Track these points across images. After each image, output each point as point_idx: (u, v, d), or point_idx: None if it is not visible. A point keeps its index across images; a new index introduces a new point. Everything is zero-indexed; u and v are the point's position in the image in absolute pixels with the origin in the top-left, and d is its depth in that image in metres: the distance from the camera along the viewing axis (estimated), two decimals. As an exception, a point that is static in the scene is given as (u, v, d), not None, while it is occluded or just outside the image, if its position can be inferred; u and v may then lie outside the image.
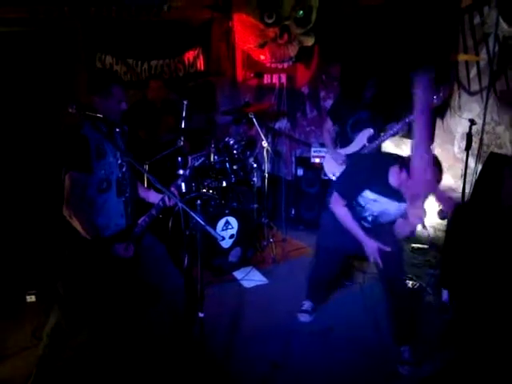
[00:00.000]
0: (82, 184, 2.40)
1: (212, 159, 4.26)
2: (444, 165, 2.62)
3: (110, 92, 2.47)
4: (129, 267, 2.60)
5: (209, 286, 3.70)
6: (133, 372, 2.89)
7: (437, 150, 4.47)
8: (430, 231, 4.34)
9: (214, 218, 3.97)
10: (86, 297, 2.56)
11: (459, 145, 4.26)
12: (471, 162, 4.05)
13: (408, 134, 4.14)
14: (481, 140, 4.08)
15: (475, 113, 4.12)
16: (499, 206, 3.51)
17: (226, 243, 4.09)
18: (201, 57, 5.45)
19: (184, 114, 4.19)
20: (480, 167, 4.01)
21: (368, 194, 2.81)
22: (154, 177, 2.27)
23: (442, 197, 2.54)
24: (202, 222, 2.14)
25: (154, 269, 2.78)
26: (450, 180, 4.34)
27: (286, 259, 4.42)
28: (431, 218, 4.32)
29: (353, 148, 3.91)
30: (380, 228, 2.96)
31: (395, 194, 2.71)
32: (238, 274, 4.12)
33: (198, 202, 2.41)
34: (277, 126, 5.71)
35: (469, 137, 3.73)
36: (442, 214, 3.82)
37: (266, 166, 4.52)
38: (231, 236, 4.10)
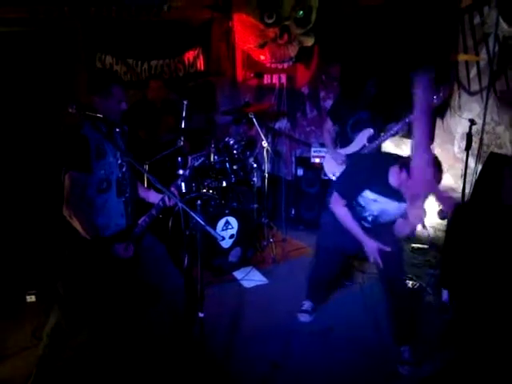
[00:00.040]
0: (82, 184, 2.41)
1: (212, 159, 4.26)
2: (444, 165, 2.62)
3: (110, 92, 2.47)
4: (129, 267, 2.60)
5: (209, 286, 3.70)
6: (133, 372, 2.89)
7: (437, 150, 4.47)
8: (430, 231, 4.35)
9: (214, 218, 3.97)
10: (86, 297, 2.56)
11: (459, 145, 4.26)
12: (471, 162, 4.05)
13: (408, 134, 4.14)
14: (481, 140, 4.08)
15: (475, 113, 4.12)
16: (499, 206, 3.50)
17: (226, 243, 4.09)
18: (201, 57, 5.45)
19: (184, 114, 4.19)
20: (480, 167, 4.01)
21: (368, 194, 2.81)
22: (154, 177, 2.27)
23: (442, 196, 2.54)
24: (202, 222, 2.14)
25: (154, 269, 2.78)
26: (450, 180, 4.35)
27: (286, 259, 4.42)
28: (431, 217, 4.32)
29: (353, 148, 3.91)
30: (380, 228, 2.96)
31: (395, 194, 2.71)
32: (238, 274, 4.12)
33: (198, 202, 2.41)
34: (277, 126, 5.71)
35: (469, 137, 3.73)
36: (442, 214, 3.82)
37: (266, 166, 4.52)
38: (231, 236, 4.10)
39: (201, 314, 2.38)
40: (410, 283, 3.81)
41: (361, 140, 3.86)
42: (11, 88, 4.12)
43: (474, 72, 4.15)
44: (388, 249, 2.79)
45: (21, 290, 3.64)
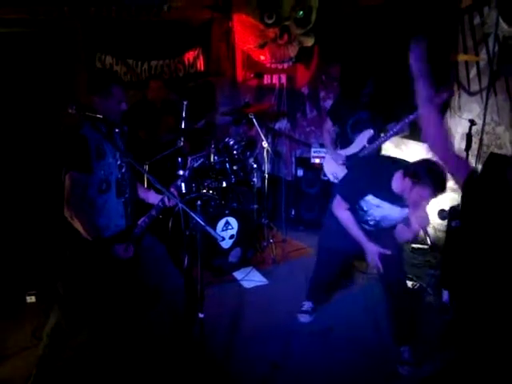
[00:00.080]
0: (83, 184, 2.40)
1: (212, 160, 4.26)
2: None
3: (110, 92, 2.47)
4: (129, 268, 2.60)
5: (209, 287, 3.70)
6: (133, 372, 2.89)
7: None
8: (431, 237, 4.33)
9: (213, 218, 3.97)
10: (86, 297, 2.56)
11: (459, 145, 4.25)
12: (471, 163, 4.05)
13: (408, 135, 4.14)
14: (481, 140, 4.07)
15: (475, 113, 4.12)
16: (500, 206, 3.49)
17: (226, 244, 4.09)
18: (201, 57, 5.45)
19: (184, 115, 4.19)
20: (480, 168, 4.01)
21: (371, 199, 2.80)
22: (154, 177, 2.27)
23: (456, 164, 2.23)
24: (202, 223, 2.14)
25: (154, 269, 2.78)
26: (450, 181, 4.34)
27: (286, 260, 4.42)
28: (431, 218, 4.31)
29: (353, 149, 3.90)
30: (381, 231, 2.95)
31: (398, 200, 2.70)
32: (237, 275, 4.12)
33: (198, 202, 2.41)
34: (277, 126, 5.71)
35: (469, 137, 3.73)
36: (442, 214, 3.82)
37: (266, 167, 4.52)
38: (231, 236, 4.10)
39: (201, 315, 2.38)
40: (410, 283, 3.81)
41: (361, 141, 3.86)
42: (11, 89, 4.12)
43: (473, 72, 4.15)
44: (388, 252, 2.79)
45: (21, 290, 3.64)
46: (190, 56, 5.34)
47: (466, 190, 1.91)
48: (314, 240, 3.56)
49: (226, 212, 4.05)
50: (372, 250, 2.84)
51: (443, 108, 4.44)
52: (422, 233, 2.86)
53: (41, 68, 4.26)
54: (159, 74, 5.08)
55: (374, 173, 2.82)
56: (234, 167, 4.33)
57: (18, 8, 4.03)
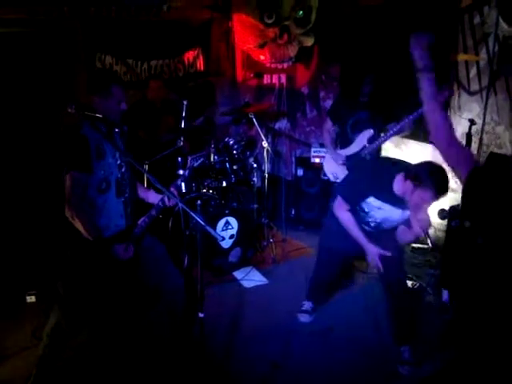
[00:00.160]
0: (83, 184, 2.40)
1: (212, 159, 4.26)
2: (444, 165, 2.60)
3: (110, 92, 2.47)
4: (129, 268, 2.60)
5: (209, 286, 3.70)
6: (133, 372, 2.89)
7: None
8: (432, 238, 4.32)
9: (213, 218, 3.97)
10: (87, 297, 2.56)
11: (459, 145, 4.25)
12: (474, 156, 4.05)
13: (409, 135, 4.14)
14: (480, 140, 4.07)
15: (475, 113, 4.11)
16: (500, 205, 3.50)
17: (226, 243, 4.09)
18: (200, 57, 5.45)
19: (184, 114, 4.18)
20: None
21: (372, 201, 2.80)
22: (154, 177, 2.27)
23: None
24: (202, 222, 2.14)
25: (154, 269, 2.78)
26: (450, 180, 4.33)
27: (286, 259, 4.42)
28: (431, 218, 4.31)
29: (353, 149, 3.90)
30: (382, 232, 2.95)
31: (400, 202, 2.69)
32: (237, 274, 4.12)
33: (198, 202, 2.41)
34: (277, 126, 5.71)
35: (468, 137, 3.72)
36: (442, 214, 3.81)
37: (266, 166, 4.51)
38: (231, 236, 4.10)
39: (201, 314, 2.38)
40: (410, 283, 3.81)
41: (361, 141, 3.86)
42: (11, 88, 4.12)
43: (473, 72, 4.15)
44: (389, 254, 2.79)
45: (21, 290, 3.64)
46: (189, 56, 5.34)
47: (467, 186, 1.90)
48: (313, 240, 3.56)
49: (226, 212, 4.05)
50: (372, 251, 2.84)
51: (444, 107, 4.44)
52: (423, 235, 2.87)
53: (40, 68, 4.25)
54: (159, 73, 5.08)
55: (376, 175, 2.81)
56: (234, 167, 4.33)
57: (17, 8, 4.03)
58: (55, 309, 2.66)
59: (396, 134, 3.69)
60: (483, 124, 4.06)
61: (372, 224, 2.96)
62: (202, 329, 2.39)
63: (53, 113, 4.03)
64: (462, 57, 4.23)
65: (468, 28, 4.12)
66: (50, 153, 3.82)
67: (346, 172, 3.89)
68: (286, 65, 5.45)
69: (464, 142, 3.80)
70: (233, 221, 4.08)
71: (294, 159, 5.55)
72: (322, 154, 4.76)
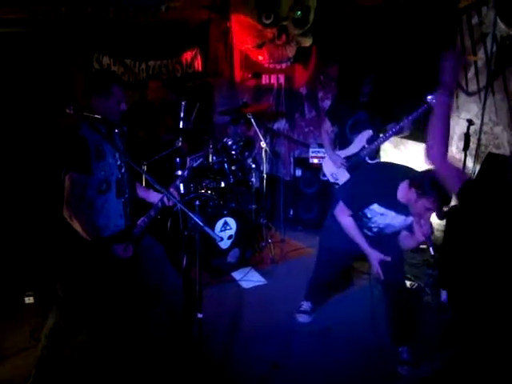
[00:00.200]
0: (82, 185, 2.40)
1: (210, 160, 4.26)
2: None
3: (111, 92, 2.46)
4: (128, 268, 2.59)
5: (207, 287, 3.70)
6: (132, 372, 2.89)
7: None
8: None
9: (212, 218, 3.96)
10: (86, 297, 2.56)
11: (457, 145, 4.26)
12: (469, 163, 4.05)
13: (408, 135, 4.14)
14: (479, 140, 4.08)
15: (473, 113, 4.12)
16: (497, 206, 3.50)
17: (225, 244, 4.09)
18: (198, 57, 5.45)
19: (182, 115, 4.18)
20: (478, 168, 4.01)
21: (376, 208, 2.78)
22: (153, 177, 2.27)
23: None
24: (201, 223, 2.14)
25: (153, 269, 2.78)
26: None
27: (285, 260, 4.42)
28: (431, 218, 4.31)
29: (352, 150, 3.90)
30: (383, 237, 2.95)
31: (403, 209, 2.68)
32: (236, 275, 4.12)
33: (197, 202, 2.41)
34: (275, 126, 5.71)
35: (467, 137, 3.73)
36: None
37: (265, 167, 4.51)
38: (230, 237, 4.10)
39: (199, 315, 2.38)
40: (408, 283, 3.81)
41: (360, 141, 3.86)
42: (9, 89, 4.11)
43: (471, 72, 4.16)
44: (389, 259, 2.80)
45: (19, 291, 3.63)
46: (187, 56, 5.34)
47: (461, 198, 1.92)
48: (312, 240, 3.56)
49: (225, 212, 4.04)
50: (374, 256, 2.83)
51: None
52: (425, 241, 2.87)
53: (39, 68, 4.25)
54: (157, 74, 5.08)
55: (381, 182, 2.78)
56: (233, 167, 4.32)
57: (17, 8, 4.03)
58: (54, 310, 2.66)
59: (395, 134, 3.69)
60: (481, 124, 4.07)
61: (374, 229, 2.94)
62: (201, 329, 2.39)
63: (52, 113, 4.02)
64: (460, 57, 4.23)
65: (466, 28, 4.13)
66: (48, 154, 3.81)
67: (346, 173, 3.89)
68: (284, 65, 5.45)
69: (462, 143, 3.81)
70: (231, 221, 4.07)
71: (292, 160, 5.55)
72: (321, 155, 4.76)
